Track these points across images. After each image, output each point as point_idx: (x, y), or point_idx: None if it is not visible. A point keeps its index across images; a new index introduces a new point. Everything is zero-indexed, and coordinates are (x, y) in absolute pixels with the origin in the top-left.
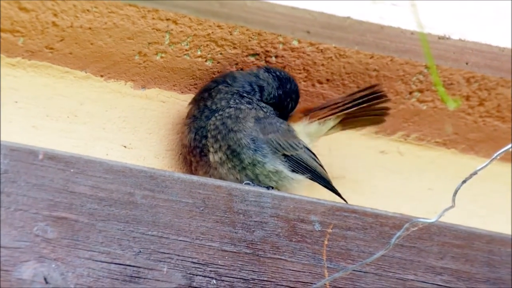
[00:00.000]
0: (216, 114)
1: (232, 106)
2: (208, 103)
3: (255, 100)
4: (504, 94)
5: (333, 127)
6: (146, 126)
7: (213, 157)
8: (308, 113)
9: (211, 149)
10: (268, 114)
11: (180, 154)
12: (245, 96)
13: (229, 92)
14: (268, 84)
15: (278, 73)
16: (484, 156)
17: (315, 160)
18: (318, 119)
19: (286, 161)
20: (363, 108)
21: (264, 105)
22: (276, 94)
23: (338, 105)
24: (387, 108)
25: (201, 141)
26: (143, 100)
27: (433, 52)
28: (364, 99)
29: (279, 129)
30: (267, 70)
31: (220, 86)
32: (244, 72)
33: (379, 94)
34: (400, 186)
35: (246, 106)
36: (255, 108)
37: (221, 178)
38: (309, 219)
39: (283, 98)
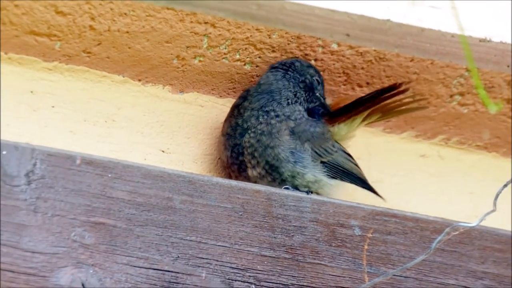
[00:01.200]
0: (249, 131)
1: (262, 122)
2: (239, 121)
3: (284, 107)
4: None
5: (362, 121)
6: (184, 130)
7: (252, 172)
8: (334, 117)
9: (249, 165)
10: (298, 120)
11: (219, 158)
12: (270, 110)
13: (255, 109)
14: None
15: (284, 66)
16: None
17: (350, 161)
18: (343, 121)
19: (324, 168)
20: (386, 100)
21: (293, 109)
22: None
23: (357, 104)
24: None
25: (238, 158)
26: (181, 104)
27: (474, 55)
28: (382, 94)
29: (314, 134)
30: (273, 68)
31: (245, 103)
32: (263, 82)
33: (399, 90)
34: (441, 190)
35: (276, 120)
36: (285, 120)
37: None
38: (349, 224)
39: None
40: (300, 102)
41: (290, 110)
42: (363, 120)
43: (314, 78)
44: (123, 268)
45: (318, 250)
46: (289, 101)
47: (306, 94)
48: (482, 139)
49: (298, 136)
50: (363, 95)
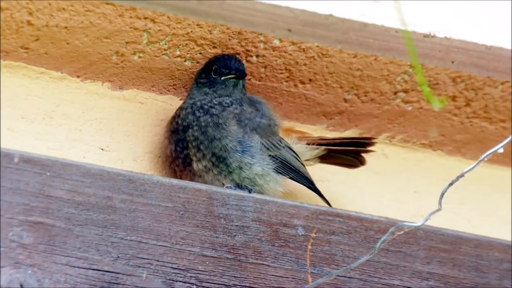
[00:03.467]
0: (191, 126)
1: (201, 116)
2: (179, 121)
3: (215, 97)
4: (491, 94)
5: (314, 158)
6: (124, 128)
7: (197, 166)
8: (300, 135)
9: (194, 158)
10: (234, 105)
11: (159, 156)
12: (205, 105)
13: (188, 107)
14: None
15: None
16: (471, 158)
17: (297, 159)
18: (307, 143)
19: (272, 162)
20: (348, 151)
21: (221, 96)
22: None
23: (329, 139)
24: (363, 159)
25: (182, 152)
26: (121, 102)
27: (418, 51)
28: (353, 142)
29: (260, 125)
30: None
31: (181, 104)
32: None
33: (367, 143)
34: (385, 189)
35: (217, 110)
36: (223, 107)
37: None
38: (292, 223)
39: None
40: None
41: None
42: (318, 157)
43: (211, 70)
44: (62, 269)
45: (261, 250)
46: (201, 90)
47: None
48: (427, 137)
49: (245, 124)
50: (305, 92)
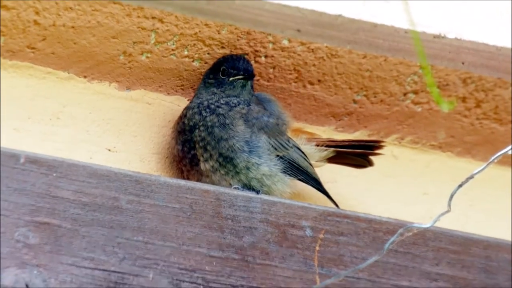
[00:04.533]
0: (197, 127)
1: (207, 115)
2: (185, 121)
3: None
4: (501, 96)
5: (322, 159)
6: (131, 128)
7: (204, 166)
8: (309, 136)
9: (201, 158)
10: (241, 104)
11: (167, 157)
12: (210, 104)
13: (194, 107)
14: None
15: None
16: (481, 159)
17: (305, 159)
18: (316, 144)
19: (279, 163)
20: (356, 153)
21: (229, 97)
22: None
23: (338, 141)
24: (371, 160)
25: (189, 152)
26: (128, 102)
27: (428, 52)
28: (361, 144)
29: (268, 124)
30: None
31: (188, 104)
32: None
33: (375, 145)
34: (394, 190)
35: (224, 110)
36: (230, 107)
37: (214, 185)
38: (300, 225)
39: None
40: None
41: (221, 98)
42: (327, 159)
43: (219, 70)
44: (68, 269)
45: (269, 251)
46: (209, 89)
47: (218, 84)
48: (437, 139)
49: (252, 124)
50: (314, 93)
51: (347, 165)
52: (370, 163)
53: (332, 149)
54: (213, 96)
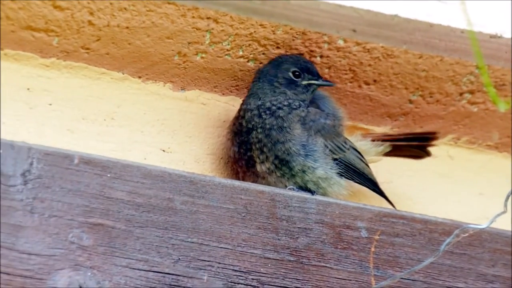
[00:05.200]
0: (255, 129)
1: (267, 118)
2: (243, 123)
3: (288, 97)
4: None
5: (379, 154)
6: (185, 129)
7: (260, 167)
8: (364, 132)
9: (257, 160)
10: (302, 107)
11: (221, 158)
12: (271, 105)
13: (254, 109)
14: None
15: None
16: None
17: (362, 160)
18: (372, 139)
19: (335, 165)
20: (412, 145)
21: (296, 99)
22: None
23: (393, 135)
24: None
25: (246, 153)
26: (183, 102)
27: (485, 52)
28: (416, 137)
29: (325, 126)
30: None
31: (243, 106)
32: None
33: (430, 137)
34: (450, 191)
35: (283, 112)
36: (290, 109)
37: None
38: (356, 226)
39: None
40: (289, 91)
41: (286, 99)
42: (383, 153)
43: (289, 72)
44: (122, 271)
45: (324, 253)
46: (278, 90)
47: (289, 85)
48: (493, 139)
49: (309, 127)
50: (370, 93)
51: (405, 157)
52: (427, 154)
53: (388, 143)
54: (279, 96)
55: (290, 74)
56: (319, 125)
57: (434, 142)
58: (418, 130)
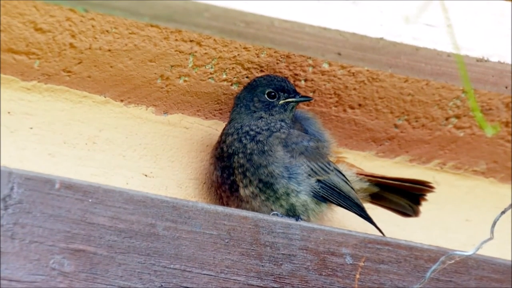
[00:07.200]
0: (236, 154)
1: (247, 142)
2: (224, 147)
3: (266, 121)
4: None
5: (363, 191)
6: (168, 153)
7: (243, 192)
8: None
9: (241, 184)
10: (283, 129)
11: (204, 183)
12: (249, 130)
13: (234, 133)
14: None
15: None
16: None
17: (347, 183)
18: (357, 173)
19: (320, 188)
20: (401, 190)
21: (275, 121)
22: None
23: (380, 175)
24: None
25: (229, 178)
26: (165, 126)
27: (471, 76)
28: (406, 183)
29: (308, 148)
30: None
31: (225, 130)
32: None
33: (423, 187)
34: (436, 217)
35: (263, 136)
36: (270, 133)
37: (254, 211)
38: (340, 252)
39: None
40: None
41: (266, 123)
42: (369, 195)
43: (264, 95)
44: None
45: (308, 280)
46: (255, 114)
47: (266, 107)
48: (479, 164)
49: (291, 149)
50: (355, 117)
51: (392, 210)
52: (416, 212)
53: (373, 182)
54: (258, 121)
55: (265, 96)
56: (302, 147)
57: (426, 193)
58: (414, 177)
